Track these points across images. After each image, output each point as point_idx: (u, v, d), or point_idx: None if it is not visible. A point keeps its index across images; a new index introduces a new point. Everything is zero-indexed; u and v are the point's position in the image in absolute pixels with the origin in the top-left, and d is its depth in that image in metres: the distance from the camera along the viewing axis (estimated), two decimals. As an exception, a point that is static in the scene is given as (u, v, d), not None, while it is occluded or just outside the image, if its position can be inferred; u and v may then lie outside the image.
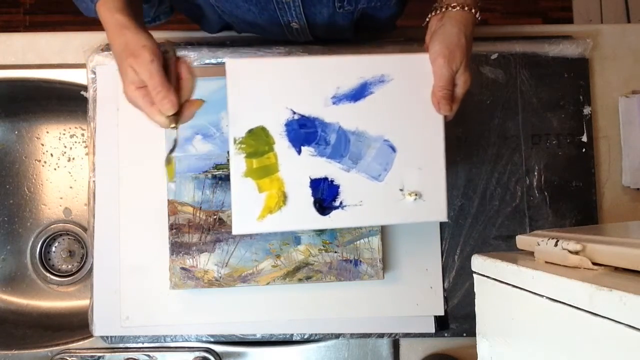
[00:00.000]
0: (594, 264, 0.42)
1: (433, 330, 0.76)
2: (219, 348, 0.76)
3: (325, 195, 0.62)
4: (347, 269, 0.73)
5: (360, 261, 0.73)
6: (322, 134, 0.62)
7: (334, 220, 0.62)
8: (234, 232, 0.62)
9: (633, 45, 0.82)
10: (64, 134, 0.95)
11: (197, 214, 0.74)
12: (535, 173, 0.79)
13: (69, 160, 0.95)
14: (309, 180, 0.61)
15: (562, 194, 0.79)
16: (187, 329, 0.76)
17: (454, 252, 0.77)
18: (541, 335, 0.42)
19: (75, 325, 0.85)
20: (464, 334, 0.76)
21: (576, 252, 0.43)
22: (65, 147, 0.95)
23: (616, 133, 0.81)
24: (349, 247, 0.74)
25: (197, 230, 0.74)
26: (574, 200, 0.79)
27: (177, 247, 0.73)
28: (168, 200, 0.74)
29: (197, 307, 0.75)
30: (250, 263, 0.73)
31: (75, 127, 0.95)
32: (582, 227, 0.68)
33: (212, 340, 0.76)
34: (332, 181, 0.62)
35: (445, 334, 0.76)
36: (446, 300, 0.77)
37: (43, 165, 0.95)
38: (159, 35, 0.82)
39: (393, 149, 0.62)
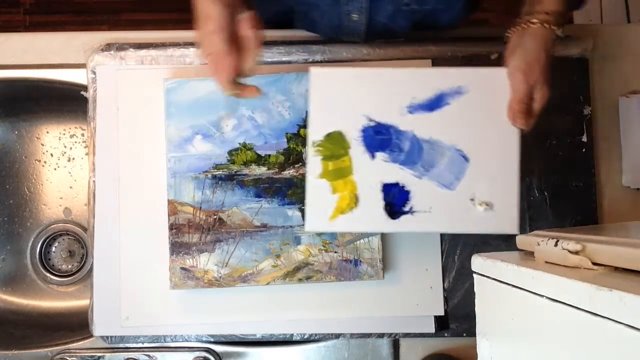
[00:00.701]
0: (594, 264, 0.42)
1: (433, 330, 0.76)
2: (219, 348, 0.76)
3: (395, 200, 0.64)
4: (347, 269, 0.73)
5: (360, 261, 0.73)
6: (396, 141, 0.64)
7: (403, 224, 0.64)
8: (307, 229, 0.65)
9: (633, 45, 0.82)
10: (64, 134, 0.95)
11: (197, 214, 0.74)
12: (535, 173, 0.79)
13: (69, 160, 0.95)
14: (381, 185, 0.64)
15: (562, 194, 0.79)
16: (187, 329, 0.76)
17: (454, 252, 0.77)
18: (541, 335, 0.42)
19: (75, 325, 0.85)
20: (464, 334, 0.76)
21: (576, 252, 0.43)
22: (65, 147, 0.95)
23: (616, 133, 0.81)
24: (349, 247, 0.74)
25: (197, 230, 0.74)
26: (574, 200, 0.79)
27: (177, 247, 0.73)
28: (168, 200, 0.74)
29: (197, 307, 0.75)
30: (250, 263, 0.73)
31: (75, 127, 0.95)
32: (582, 227, 0.68)
33: (212, 340, 0.76)
34: (403, 187, 0.64)
35: (445, 334, 0.76)
36: (446, 300, 0.77)
37: (43, 165, 0.95)
38: (160, 35, 0.82)
39: (466, 158, 0.64)
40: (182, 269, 0.73)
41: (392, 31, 0.75)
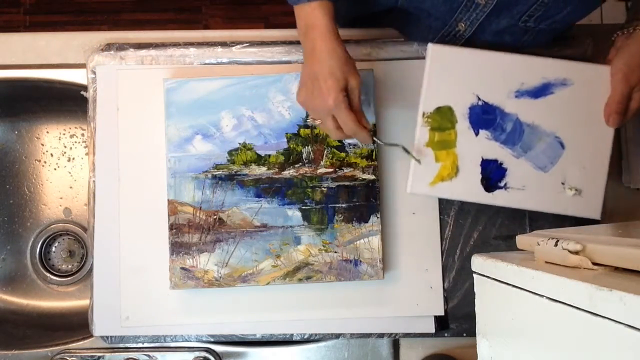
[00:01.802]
0: (594, 264, 0.42)
1: (433, 330, 0.76)
2: (219, 348, 0.76)
3: (492, 175, 0.70)
4: (347, 269, 0.73)
5: (360, 261, 0.73)
6: (500, 121, 0.69)
7: (497, 198, 0.70)
8: (409, 191, 0.70)
9: (633, 45, 0.82)
10: (64, 134, 0.95)
11: (197, 214, 0.74)
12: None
13: (69, 160, 0.95)
14: (481, 160, 0.70)
15: (562, 194, 0.78)
16: (187, 329, 0.76)
17: (454, 252, 0.77)
18: (541, 335, 0.42)
19: (75, 325, 0.85)
20: (464, 334, 0.76)
21: (576, 252, 0.43)
22: (65, 147, 0.95)
23: (616, 133, 0.81)
24: (348, 247, 0.74)
25: (197, 230, 0.74)
26: (574, 200, 0.79)
27: (177, 247, 0.73)
28: (168, 200, 0.74)
29: (197, 307, 0.75)
30: (250, 263, 0.73)
31: (75, 127, 0.95)
32: (582, 227, 0.68)
33: (212, 340, 0.76)
34: (501, 164, 0.69)
35: (445, 334, 0.76)
36: (446, 300, 0.77)
37: (43, 165, 0.95)
38: (160, 35, 0.82)
39: (562, 145, 0.69)
40: (182, 269, 0.73)
41: (491, 44, 0.73)
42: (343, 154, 0.75)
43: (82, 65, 0.80)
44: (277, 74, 0.76)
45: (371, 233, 0.74)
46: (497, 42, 0.72)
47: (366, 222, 0.74)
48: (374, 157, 0.75)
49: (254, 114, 0.75)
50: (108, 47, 0.80)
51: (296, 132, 0.75)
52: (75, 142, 0.95)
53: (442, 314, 0.76)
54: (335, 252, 0.74)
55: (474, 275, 0.54)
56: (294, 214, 0.74)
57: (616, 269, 0.41)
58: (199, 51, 0.79)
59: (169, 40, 0.81)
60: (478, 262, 0.53)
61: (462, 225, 0.78)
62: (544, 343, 0.42)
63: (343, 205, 0.74)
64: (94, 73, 0.79)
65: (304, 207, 0.74)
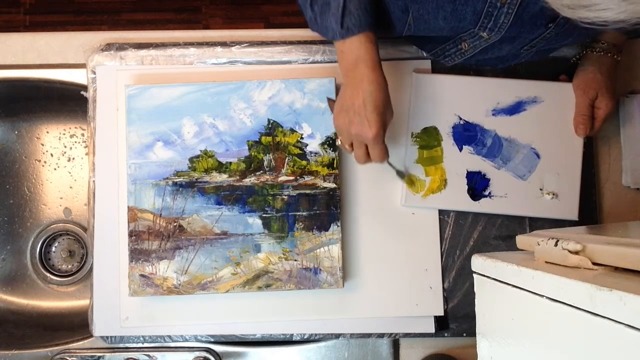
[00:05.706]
0: (594, 264, 0.42)
1: (433, 330, 0.76)
2: (219, 348, 0.76)
3: (477, 185, 0.76)
4: (306, 277, 0.73)
5: (320, 269, 0.73)
6: (480, 137, 0.76)
7: (482, 206, 0.76)
8: (402, 204, 0.76)
9: (632, 45, 0.82)
10: (64, 134, 0.95)
11: (157, 221, 0.73)
12: (535, 173, 0.79)
13: (69, 160, 0.95)
14: (466, 172, 0.76)
15: (562, 194, 0.79)
16: (187, 329, 0.76)
17: (454, 252, 0.77)
18: (541, 335, 0.42)
19: (75, 325, 0.85)
20: (464, 334, 0.76)
21: (576, 252, 0.43)
22: (65, 147, 0.95)
23: (616, 133, 0.81)
24: (309, 256, 0.73)
25: (157, 237, 0.73)
26: (574, 200, 0.79)
27: (137, 254, 0.73)
28: (128, 206, 0.73)
29: (197, 307, 0.75)
30: (210, 270, 0.73)
31: (75, 127, 0.95)
32: (582, 227, 0.68)
33: (212, 340, 0.76)
34: (484, 175, 0.76)
35: (445, 334, 0.76)
36: (446, 300, 0.76)
37: (43, 165, 0.95)
38: (160, 35, 0.82)
39: (538, 155, 0.76)
40: (142, 276, 0.73)
41: (493, 61, 0.75)
42: (304, 162, 0.74)
43: (82, 65, 0.80)
44: (239, 81, 0.76)
45: (331, 241, 0.73)
46: (496, 57, 0.73)
47: (326, 230, 0.73)
48: (335, 165, 0.74)
49: (215, 121, 0.75)
50: (108, 47, 0.80)
51: (257, 139, 0.75)
52: (75, 142, 0.95)
53: (442, 314, 0.76)
54: (295, 260, 0.73)
55: (474, 275, 0.54)
56: (255, 221, 0.74)
57: (616, 269, 0.41)
58: (198, 51, 0.79)
59: (169, 40, 0.81)
60: (478, 262, 0.53)
61: (462, 225, 0.78)
62: (544, 343, 0.42)
63: (303, 213, 0.74)
64: (94, 73, 0.79)
65: (264, 215, 0.74)
